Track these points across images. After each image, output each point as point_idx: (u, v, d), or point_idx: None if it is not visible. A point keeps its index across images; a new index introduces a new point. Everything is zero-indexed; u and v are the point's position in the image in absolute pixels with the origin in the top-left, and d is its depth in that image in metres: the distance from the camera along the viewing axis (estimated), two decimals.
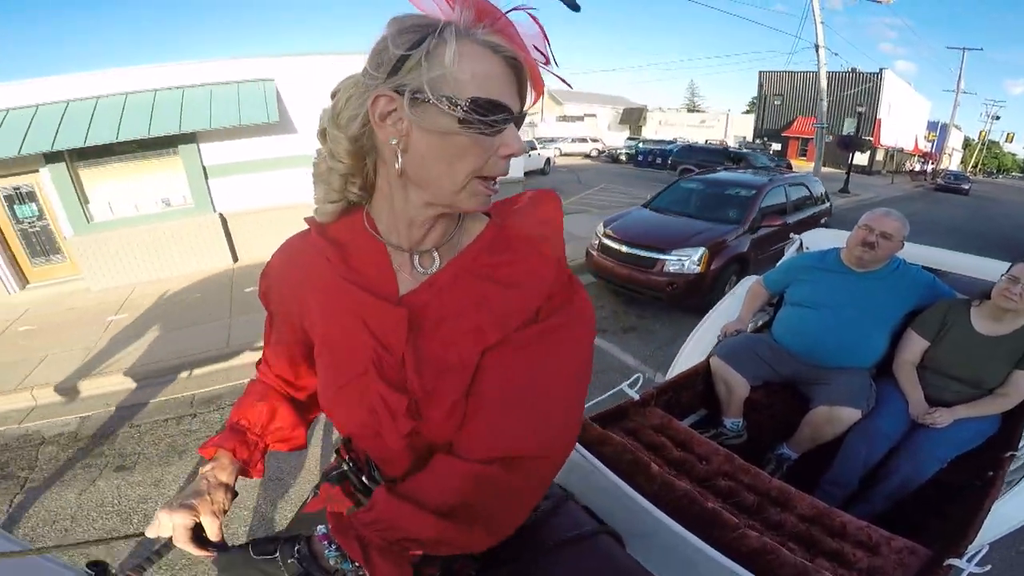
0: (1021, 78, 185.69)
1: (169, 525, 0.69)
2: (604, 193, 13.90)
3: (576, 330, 0.67)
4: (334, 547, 0.63)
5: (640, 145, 24.70)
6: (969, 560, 1.18)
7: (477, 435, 0.64)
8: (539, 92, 0.60)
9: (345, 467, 0.87)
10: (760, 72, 35.84)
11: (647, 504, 1.23)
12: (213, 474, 0.77)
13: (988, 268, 2.27)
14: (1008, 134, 41.25)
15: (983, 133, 46.45)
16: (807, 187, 6.74)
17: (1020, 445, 1.72)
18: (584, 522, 0.95)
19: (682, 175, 8.58)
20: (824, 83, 14.24)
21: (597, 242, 5.40)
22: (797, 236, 2.88)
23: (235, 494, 0.79)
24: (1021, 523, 1.59)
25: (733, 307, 2.59)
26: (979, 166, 56.40)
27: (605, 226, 5.47)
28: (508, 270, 0.67)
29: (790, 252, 2.79)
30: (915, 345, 1.96)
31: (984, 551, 1.21)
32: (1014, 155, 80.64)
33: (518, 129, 0.60)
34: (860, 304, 2.02)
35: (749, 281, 2.66)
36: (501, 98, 0.56)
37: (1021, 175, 73.24)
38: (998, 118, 44.61)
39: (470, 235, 0.71)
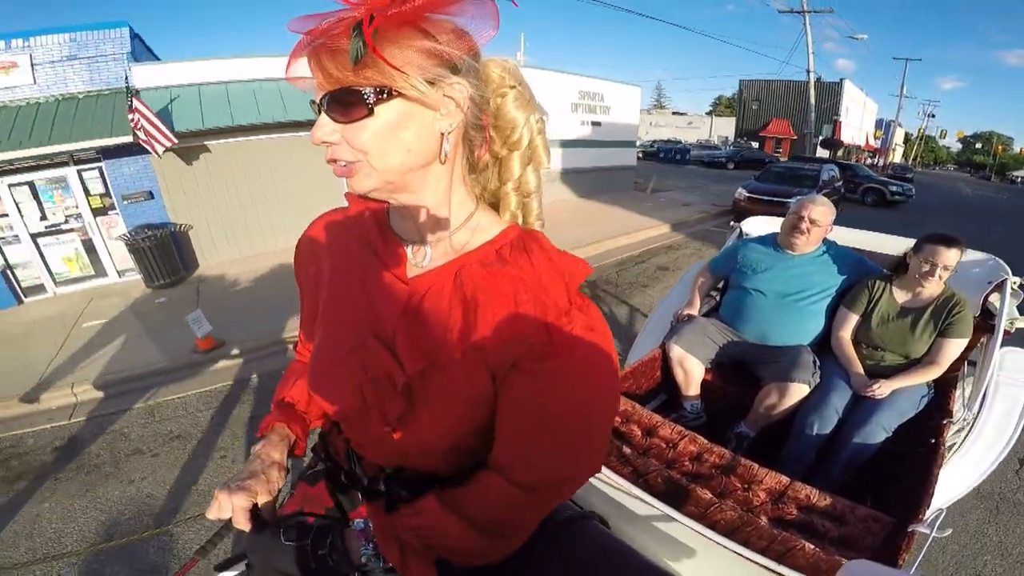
0: (950, 75, 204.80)
1: (229, 506, 0.68)
2: (666, 180, 17.60)
3: (603, 354, 0.66)
4: (371, 546, 0.66)
5: (660, 144, 31.78)
6: (930, 525, 1.21)
7: (517, 459, 0.65)
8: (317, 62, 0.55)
9: (321, 466, 0.87)
10: (740, 80, 39.45)
11: (626, 484, 1.20)
12: (266, 452, 0.77)
13: (903, 246, 2.41)
14: (942, 131, 47.02)
15: (921, 130, 51.29)
16: (834, 171, 12.48)
17: (954, 412, 1.82)
18: (569, 507, 0.94)
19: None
20: (813, 99, 19.82)
21: (743, 197, 10.49)
22: (737, 224, 2.99)
23: (288, 471, 0.78)
24: (968, 488, 1.72)
25: (683, 294, 2.65)
26: (918, 159, 62.39)
27: (745, 189, 10.68)
28: (513, 284, 0.65)
29: (731, 239, 2.88)
30: (848, 320, 2.05)
31: (942, 516, 1.24)
32: (948, 148, 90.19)
33: (332, 112, 0.57)
34: (798, 285, 2.16)
35: (696, 268, 2.78)
36: (311, 94, 0.60)
37: (956, 167, 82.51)
38: (933, 116, 48.55)
39: (486, 234, 0.70)
